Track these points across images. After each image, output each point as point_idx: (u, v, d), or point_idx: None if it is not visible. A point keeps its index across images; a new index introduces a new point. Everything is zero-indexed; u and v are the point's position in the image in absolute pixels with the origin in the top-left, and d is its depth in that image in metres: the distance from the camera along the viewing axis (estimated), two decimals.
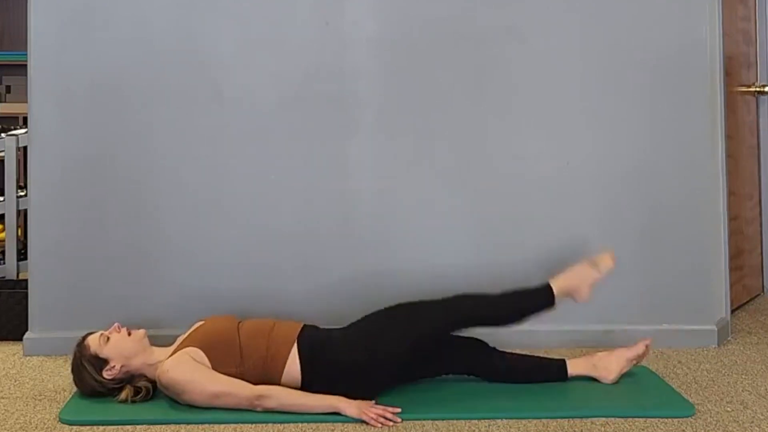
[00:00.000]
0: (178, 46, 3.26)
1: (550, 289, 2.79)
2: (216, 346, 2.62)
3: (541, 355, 2.93)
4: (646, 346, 2.86)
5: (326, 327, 2.79)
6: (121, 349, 2.63)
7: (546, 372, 2.81)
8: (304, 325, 2.73)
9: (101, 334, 2.66)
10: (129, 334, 2.67)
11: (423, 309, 2.74)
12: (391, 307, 2.77)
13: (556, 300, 2.80)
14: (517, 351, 2.92)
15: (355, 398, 2.56)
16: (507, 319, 2.80)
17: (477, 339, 2.83)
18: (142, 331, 2.70)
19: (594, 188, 3.34)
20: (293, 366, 2.60)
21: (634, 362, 2.85)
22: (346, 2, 3.29)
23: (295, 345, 2.62)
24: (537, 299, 2.80)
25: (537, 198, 3.32)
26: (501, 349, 2.85)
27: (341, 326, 2.79)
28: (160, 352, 2.69)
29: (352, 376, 2.60)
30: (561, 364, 2.82)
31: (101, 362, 2.62)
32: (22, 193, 3.69)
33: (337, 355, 2.62)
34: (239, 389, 2.53)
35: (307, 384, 2.60)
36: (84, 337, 2.68)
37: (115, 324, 2.69)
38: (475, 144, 3.31)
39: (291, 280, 3.28)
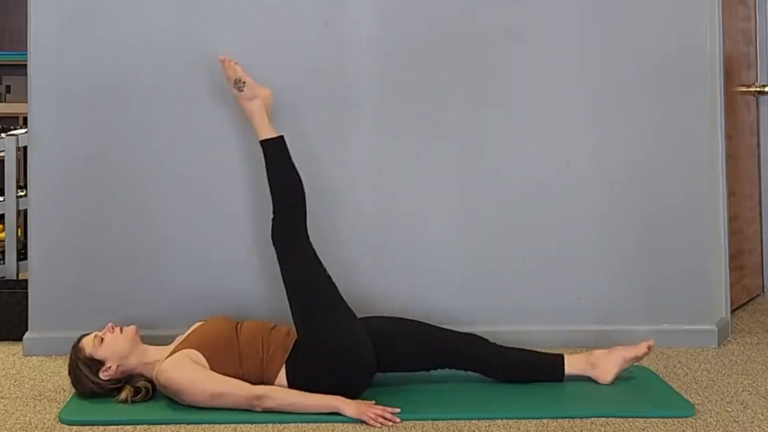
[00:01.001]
0: (178, 46, 3.26)
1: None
2: (215, 349, 2.61)
3: (540, 351, 2.90)
4: (648, 348, 2.82)
5: None
6: (115, 349, 2.62)
7: (543, 371, 2.80)
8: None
9: (95, 336, 2.65)
10: (121, 332, 2.67)
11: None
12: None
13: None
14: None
15: (353, 397, 2.56)
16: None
17: (476, 335, 2.82)
18: (132, 328, 2.69)
19: (594, 188, 3.34)
20: (282, 375, 2.61)
21: (633, 362, 2.84)
22: (346, 2, 3.29)
23: (287, 357, 2.62)
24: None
25: (537, 198, 3.32)
26: (499, 344, 2.83)
27: None
28: (156, 351, 2.68)
29: (340, 382, 2.59)
30: (558, 362, 2.80)
31: (97, 364, 2.62)
32: (22, 193, 3.68)
33: (323, 364, 2.61)
34: (238, 389, 2.52)
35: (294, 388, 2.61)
36: (78, 340, 2.68)
37: (109, 324, 2.69)
38: (475, 144, 3.31)
39: None
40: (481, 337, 2.82)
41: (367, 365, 2.66)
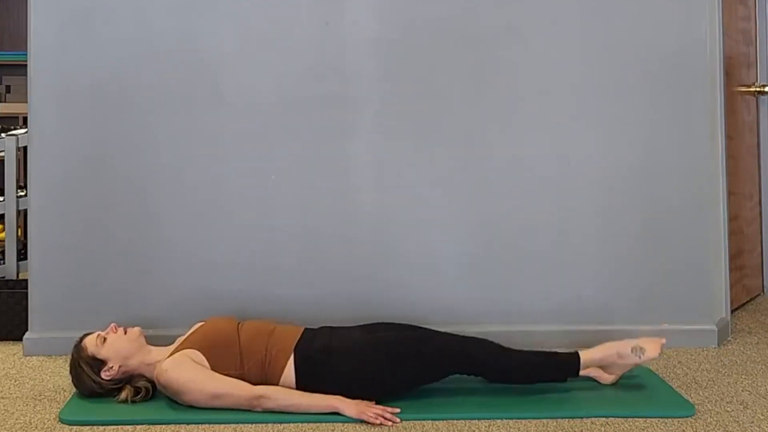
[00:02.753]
0: (179, 46, 3.27)
1: (577, 363, 2.69)
2: (216, 348, 2.61)
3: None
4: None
5: (326, 326, 2.79)
6: (118, 349, 2.63)
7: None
8: (304, 331, 2.71)
9: (98, 335, 2.65)
10: (125, 333, 2.67)
11: (435, 341, 2.67)
12: (403, 330, 2.72)
13: (580, 374, 2.71)
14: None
15: (354, 399, 2.56)
16: (515, 381, 2.71)
17: (486, 340, 2.73)
18: (137, 329, 2.69)
19: (594, 188, 3.34)
20: (289, 375, 2.59)
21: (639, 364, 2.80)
22: (346, 2, 3.29)
23: (292, 356, 2.60)
24: (559, 371, 2.70)
25: (537, 198, 3.32)
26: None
27: (340, 326, 2.80)
28: (158, 352, 2.68)
29: (350, 389, 2.58)
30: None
31: (99, 363, 2.62)
32: (22, 193, 3.69)
33: (335, 369, 2.59)
34: (238, 390, 2.52)
35: (303, 389, 2.59)
36: (81, 339, 2.68)
37: (112, 324, 2.69)
38: (474, 144, 3.32)
39: (291, 280, 3.28)
40: (491, 342, 2.72)
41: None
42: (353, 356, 2.61)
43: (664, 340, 2.72)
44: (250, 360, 2.60)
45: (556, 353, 2.77)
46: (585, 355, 2.69)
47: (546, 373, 2.71)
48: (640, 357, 2.68)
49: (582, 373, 2.78)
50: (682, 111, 3.35)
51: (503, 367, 2.68)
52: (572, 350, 2.76)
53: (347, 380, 2.58)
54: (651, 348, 2.69)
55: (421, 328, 2.77)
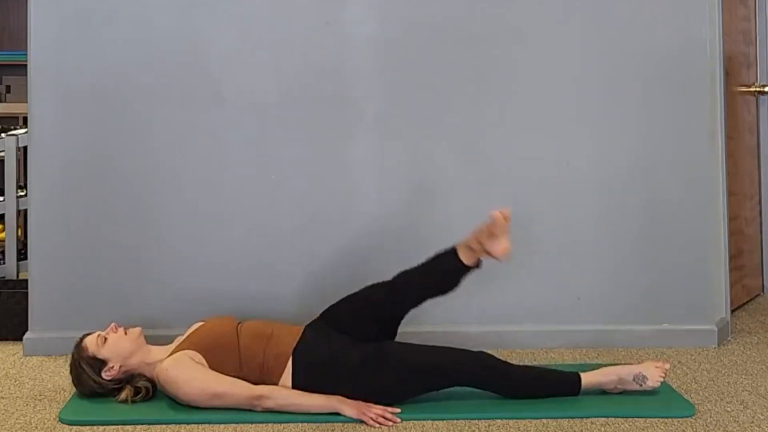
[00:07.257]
0: (179, 46, 3.26)
1: (578, 386, 2.67)
2: (215, 349, 2.61)
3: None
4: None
5: (324, 327, 2.79)
6: (118, 349, 2.63)
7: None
8: (303, 335, 2.67)
9: (98, 335, 2.65)
10: (125, 333, 2.67)
11: (440, 360, 2.64)
12: (404, 348, 2.67)
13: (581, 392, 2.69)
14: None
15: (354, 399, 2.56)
16: (513, 396, 2.66)
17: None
18: (138, 329, 2.69)
19: (594, 188, 3.34)
20: (286, 382, 2.58)
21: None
22: (346, 2, 3.29)
23: (290, 362, 2.59)
24: (558, 393, 2.67)
25: (537, 198, 3.32)
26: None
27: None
28: (158, 351, 2.68)
29: (349, 394, 2.57)
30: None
31: (100, 363, 2.62)
32: (22, 193, 3.69)
33: (332, 378, 2.58)
34: (239, 389, 2.52)
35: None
36: (81, 339, 2.68)
37: (112, 324, 2.69)
38: (475, 144, 3.32)
39: (291, 280, 3.28)
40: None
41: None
42: (351, 369, 2.58)
43: (668, 366, 2.72)
44: (249, 362, 2.60)
45: (557, 372, 2.76)
46: (586, 378, 2.68)
47: (544, 393, 2.67)
48: (641, 385, 2.67)
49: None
50: (682, 111, 3.35)
51: (501, 385, 2.64)
52: (574, 372, 2.72)
53: (344, 390, 2.56)
54: (653, 376, 2.68)
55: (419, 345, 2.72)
